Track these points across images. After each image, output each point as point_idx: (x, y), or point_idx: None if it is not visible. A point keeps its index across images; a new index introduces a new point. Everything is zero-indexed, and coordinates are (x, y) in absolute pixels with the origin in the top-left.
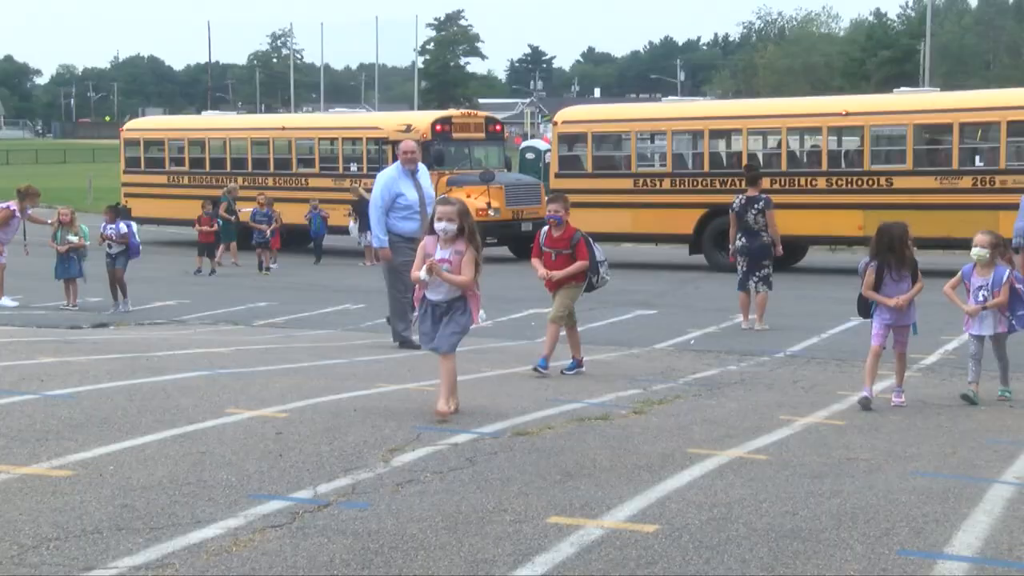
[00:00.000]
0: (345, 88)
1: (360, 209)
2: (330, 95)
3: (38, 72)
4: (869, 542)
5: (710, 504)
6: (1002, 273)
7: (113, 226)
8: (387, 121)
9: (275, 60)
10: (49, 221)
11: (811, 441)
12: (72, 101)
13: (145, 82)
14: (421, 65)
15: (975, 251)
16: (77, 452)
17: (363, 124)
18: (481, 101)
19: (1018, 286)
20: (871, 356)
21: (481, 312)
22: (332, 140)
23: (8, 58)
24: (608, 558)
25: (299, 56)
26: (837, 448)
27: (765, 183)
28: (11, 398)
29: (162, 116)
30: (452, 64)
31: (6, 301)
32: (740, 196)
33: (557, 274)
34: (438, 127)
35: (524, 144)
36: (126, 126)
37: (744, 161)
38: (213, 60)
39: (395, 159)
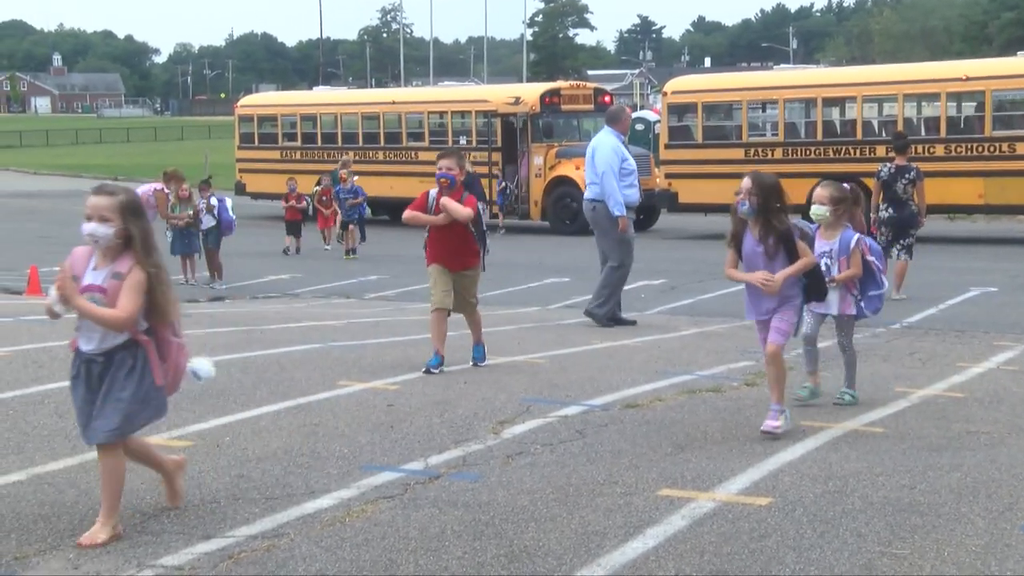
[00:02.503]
0: (454, 62)
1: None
2: (439, 69)
3: (156, 51)
4: (991, 517)
5: (824, 477)
6: (849, 238)
7: (207, 200)
8: (496, 94)
9: (385, 35)
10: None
11: (929, 414)
12: (188, 79)
13: (258, 59)
14: (530, 37)
15: (813, 208)
16: (195, 423)
17: (472, 97)
18: (590, 73)
19: (870, 258)
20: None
21: (196, 365)
22: (441, 114)
23: (128, 38)
24: (720, 531)
25: (409, 30)
26: (956, 421)
27: (880, 151)
28: None
29: (275, 92)
30: (560, 36)
31: None
32: (887, 165)
33: (446, 215)
34: (547, 99)
35: (633, 115)
36: (240, 103)
37: (857, 130)
38: (324, 36)
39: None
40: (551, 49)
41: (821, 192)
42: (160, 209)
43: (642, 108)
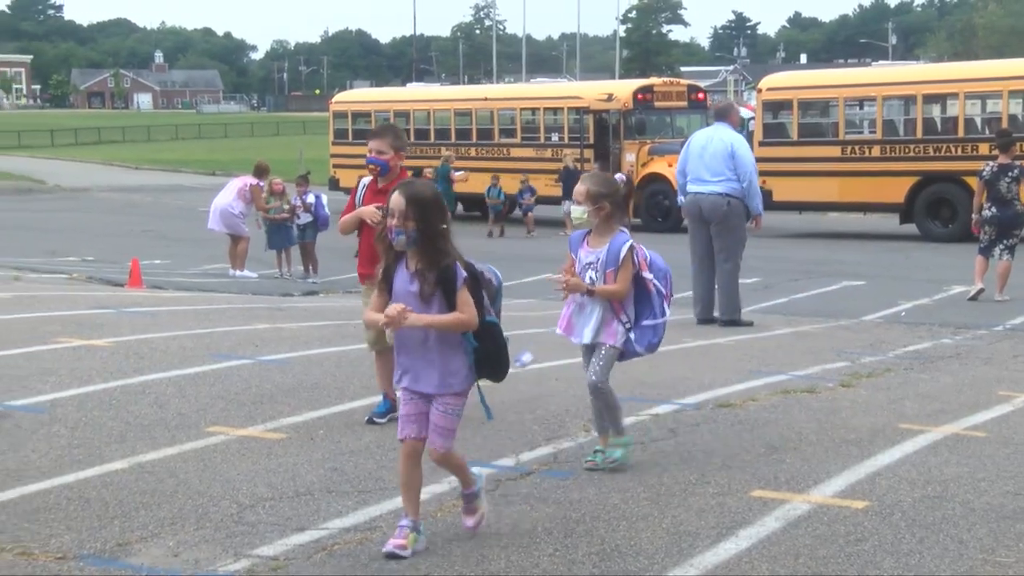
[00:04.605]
0: (547, 58)
1: (564, 178)
2: (532, 65)
3: (254, 48)
4: None
5: (923, 481)
6: (619, 245)
7: (303, 197)
8: (588, 90)
9: (478, 32)
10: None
11: None
12: (285, 75)
13: (353, 55)
14: (623, 34)
15: (572, 209)
16: (289, 416)
17: (564, 94)
18: (683, 69)
19: (647, 275)
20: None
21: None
22: (533, 110)
23: (227, 35)
24: (815, 533)
25: (501, 27)
26: None
27: (983, 149)
28: (229, 362)
29: (369, 88)
30: (654, 32)
31: (247, 273)
32: (990, 163)
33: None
34: (640, 96)
35: None
36: (334, 99)
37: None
38: (418, 33)
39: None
40: (644, 45)
41: (579, 188)
42: (256, 202)
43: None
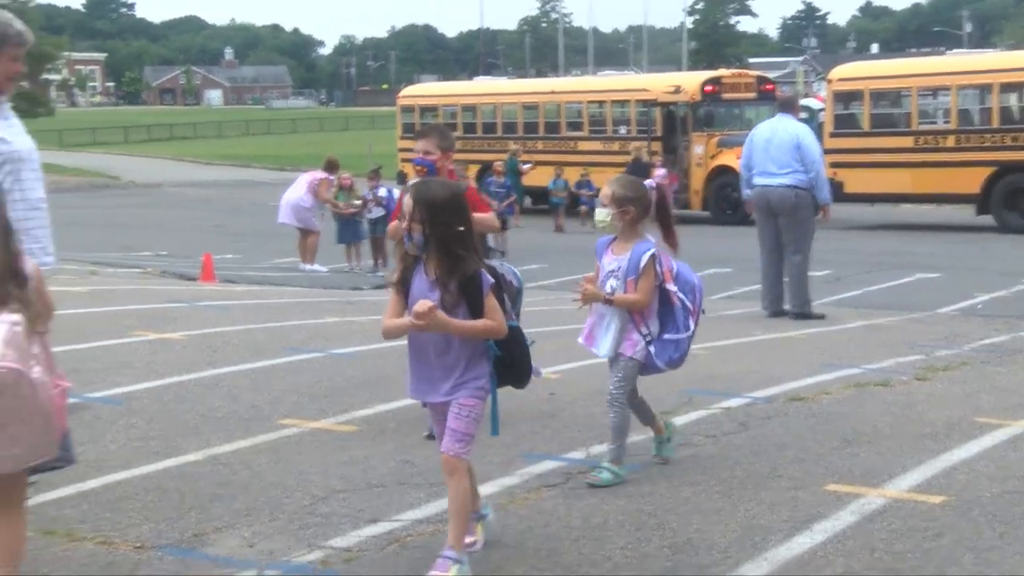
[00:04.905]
0: (614, 51)
1: (632, 171)
2: (599, 58)
3: (322, 43)
4: None
5: (1003, 476)
6: (642, 252)
7: (374, 191)
8: (655, 83)
9: (544, 25)
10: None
11: None
12: (352, 70)
13: (420, 50)
14: (690, 25)
15: (596, 212)
16: (361, 409)
17: (631, 86)
18: (752, 60)
19: (671, 287)
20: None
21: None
22: (600, 103)
23: (295, 31)
24: (891, 528)
25: (568, 20)
26: None
27: None
28: (300, 355)
29: (436, 83)
30: (722, 23)
31: (317, 267)
32: None
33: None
34: (707, 88)
35: None
36: (402, 93)
37: None
38: (484, 27)
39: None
40: (712, 37)
41: (604, 190)
42: (321, 196)
43: (806, 96)
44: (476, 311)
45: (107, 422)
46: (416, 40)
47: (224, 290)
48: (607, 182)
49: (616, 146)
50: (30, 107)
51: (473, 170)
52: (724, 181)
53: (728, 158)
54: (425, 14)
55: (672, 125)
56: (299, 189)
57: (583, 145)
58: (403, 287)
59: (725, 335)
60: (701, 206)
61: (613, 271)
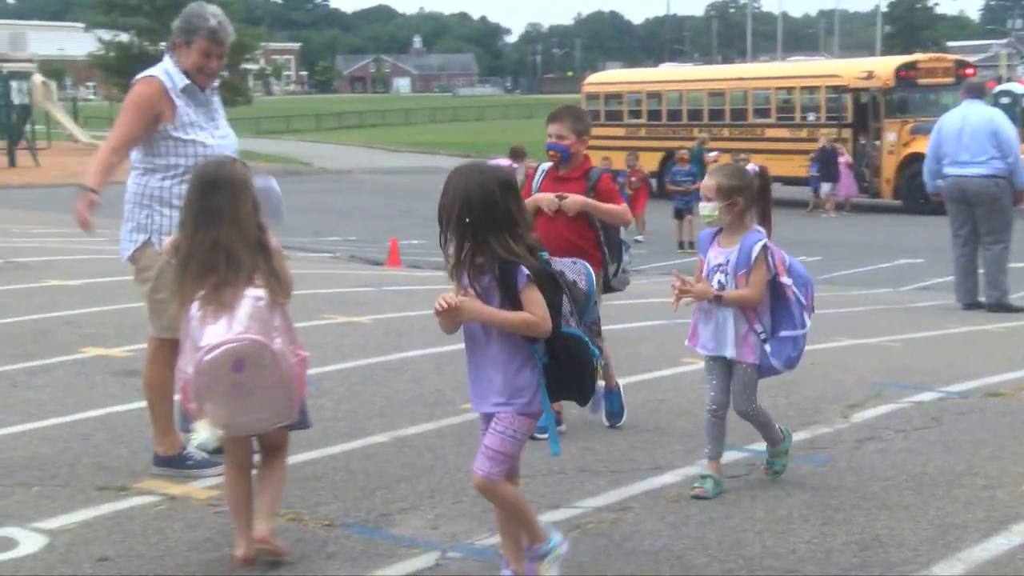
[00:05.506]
0: (804, 36)
1: (821, 159)
2: (788, 43)
3: (508, 31)
4: None
5: None
6: (752, 243)
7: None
8: (847, 68)
9: (732, 10)
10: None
11: None
12: (538, 58)
13: (605, 37)
14: (885, 9)
15: (700, 207)
16: None
17: (821, 72)
18: (950, 44)
19: (785, 280)
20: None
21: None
22: (789, 90)
23: (482, 19)
24: None
25: (756, 5)
26: None
27: None
28: None
29: (621, 70)
30: (919, 6)
31: None
32: None
33: (572, 204)
34: (902, 73)
35: (998, 88)
36: (587, 80)
37: None
38: (671, 12)
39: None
40: (908, 20)
41: (707, 182)
42: None
43: (1008, 80)
44: (516, 307)
45: None
46: (602, 27)
47: (410, 275)
48: (709, 173)
49: (804, 133)
50: (230, 96)
51: (648, 159)
52: (917, 169)
53: (922, 145)
54: (611, 1)
55: (863, 112)
56: None
57: (770, 132)
58: (456, 278)
59: (917, 327)
60: (892, 195)
61: (720, 265)
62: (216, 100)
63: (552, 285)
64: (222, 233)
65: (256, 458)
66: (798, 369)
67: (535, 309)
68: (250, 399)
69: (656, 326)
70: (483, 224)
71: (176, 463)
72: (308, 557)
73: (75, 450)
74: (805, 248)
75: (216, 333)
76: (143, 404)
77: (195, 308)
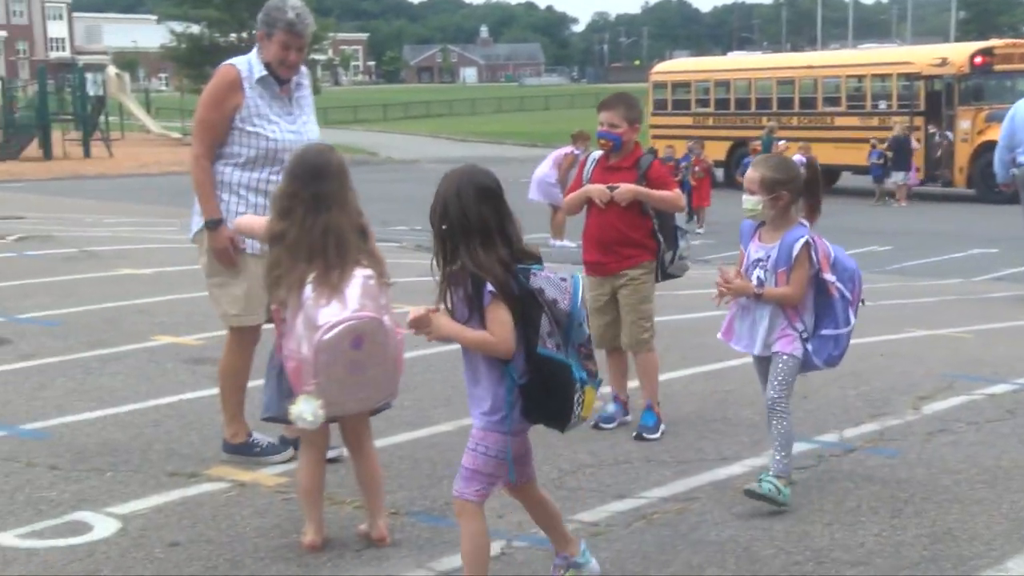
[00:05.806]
0: (875, 23)
1: (894, 147)
2: (859, 31)
3: (575, 20)
4: None
5: None
6: (793, 240)
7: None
8: (919, 55)
9: None
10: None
11: None
12: (605, 47)
13: (673, 25)
14: None
15: (743, 200)
16: (605, 386)
17: (893, 59)
18: None
19: (828, 277)
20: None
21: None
22: (859, 77)
23: (549, 8)
24: None
25: None
26: None
27: None
28: None
29: (688, 59)
30: None
31: (567, 243)
32: None
33: (624, 193)
34: (977, 59)
35: None
36: (654, 69)
37: None
38: (739, 1)
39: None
40: (983, 6)
41: (751, 174)
42: (561, 171)
43: None
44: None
45: None
46: (669, 16)
47: None
48: (753, 165)
49: (875, 121)
50: None
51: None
52: (991, 157)
53: (996, 133)
54: None
55: (936, 99)
56: (546, 165)
57: (840, 121)
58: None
59: (990, 318)
60: (966, 183)
61: (760, 260)
62: (303, 93)
63: (529, 302)
64: (332, 218)
65: (333, 453)
66: (867, 361)
67: (495, 328)
68: (363, 376)
69: (723, 316)
70: (457, 231)
71: (244, 450)
72: (374, 545)
73: (147, 436)
74: (877, 238)
75: (332, 313)
76: (212, 391)
77: (308, 290)
